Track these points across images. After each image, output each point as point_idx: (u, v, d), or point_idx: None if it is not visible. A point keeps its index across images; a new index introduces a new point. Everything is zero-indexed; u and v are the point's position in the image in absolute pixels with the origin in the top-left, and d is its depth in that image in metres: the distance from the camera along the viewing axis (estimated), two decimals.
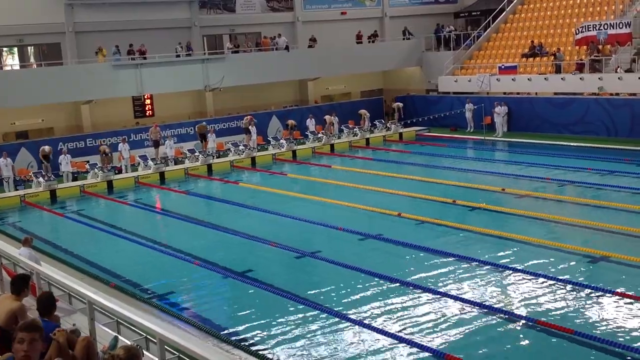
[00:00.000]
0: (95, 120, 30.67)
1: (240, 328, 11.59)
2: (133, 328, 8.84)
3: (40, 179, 24.09)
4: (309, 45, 35.12)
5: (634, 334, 10.40)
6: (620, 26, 29.24)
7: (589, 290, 12.09)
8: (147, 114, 32.45)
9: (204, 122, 30.14)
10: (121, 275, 14.73)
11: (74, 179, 26.05)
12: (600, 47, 29.88)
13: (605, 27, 29.50)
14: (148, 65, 29.95)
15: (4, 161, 24.68)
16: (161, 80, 29.93)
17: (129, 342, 7.86)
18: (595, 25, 29.91)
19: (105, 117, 30.80)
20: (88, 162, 26.51)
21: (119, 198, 23.61)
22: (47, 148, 25.64)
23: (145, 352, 7.72)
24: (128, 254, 16.75)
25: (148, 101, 32.37)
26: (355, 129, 31.83)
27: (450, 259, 14.32)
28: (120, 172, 26.91)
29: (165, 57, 30.82)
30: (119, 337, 8.26)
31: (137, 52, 30.21)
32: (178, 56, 31.20)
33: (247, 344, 10.90)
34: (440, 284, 12.93)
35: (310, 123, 31.80)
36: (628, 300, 11.56)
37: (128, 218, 21.28)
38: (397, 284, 13.04)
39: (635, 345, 9.92)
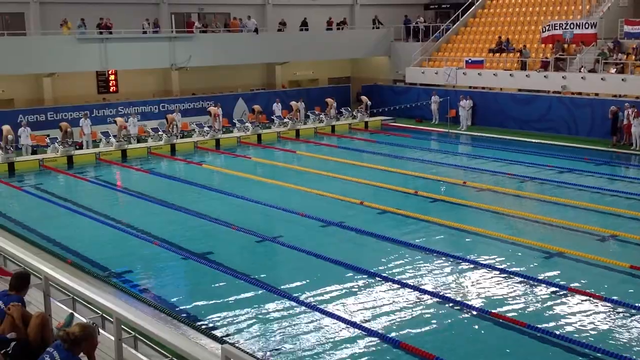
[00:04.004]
0: (57, 94, 30.07)
1: (198, 309, 11.58)
2: (89, 306, 8.75)
3: None
4: (279, 29, 34.88)
5: (582, 329, 10.69)
6: (586, 26, 29.76)
7: (543, 285, 12.37)
8: (111, 89, 31.97)
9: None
10: (79, 252, 14.54)
11: (33, 153, 25.56)
12: (565, 46, 30.37)
13: (572, 26, 30.00)
14: (114, 40, 29.44)
15: None
16: (127, 57, 29.45)
17: (84, 320, 7.80)
18: (562, 24, 30.40)
19: (67, 91, 30.22)
20: (48, 135, 26.01)
21: (79, 174, 23.24)
22: (6, 129, 24.52)
23: (101, 330, 7.67)
24: (87, 231, 16.53)
25: (112, 77, 31.87)
26: (321, 116, 31.82)
27: (409, 249, 14.49)
28: (81, 147, 26.48)
29: (132, 33, 30.32)
30: (75, 314, 8.18)
31: (103, 27, 29.64)
32: (145, 32, 30.72)
33: (204, 325, 10.90)
34: (398, 273, 13.08)
35: (277, 107, 31.69)
36: (580, 297, 11.84)
37: (88, 194, 20.95)
38: (356, 272, 13.14)
39: (583, 340, 10.20)
